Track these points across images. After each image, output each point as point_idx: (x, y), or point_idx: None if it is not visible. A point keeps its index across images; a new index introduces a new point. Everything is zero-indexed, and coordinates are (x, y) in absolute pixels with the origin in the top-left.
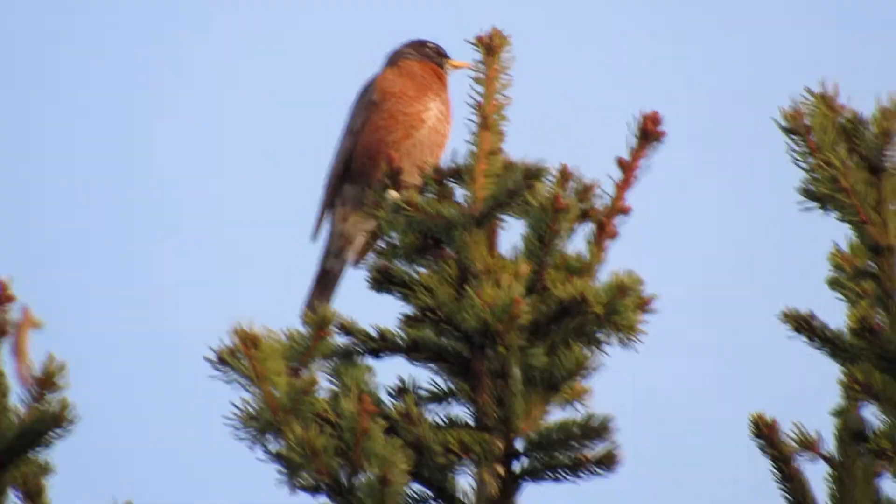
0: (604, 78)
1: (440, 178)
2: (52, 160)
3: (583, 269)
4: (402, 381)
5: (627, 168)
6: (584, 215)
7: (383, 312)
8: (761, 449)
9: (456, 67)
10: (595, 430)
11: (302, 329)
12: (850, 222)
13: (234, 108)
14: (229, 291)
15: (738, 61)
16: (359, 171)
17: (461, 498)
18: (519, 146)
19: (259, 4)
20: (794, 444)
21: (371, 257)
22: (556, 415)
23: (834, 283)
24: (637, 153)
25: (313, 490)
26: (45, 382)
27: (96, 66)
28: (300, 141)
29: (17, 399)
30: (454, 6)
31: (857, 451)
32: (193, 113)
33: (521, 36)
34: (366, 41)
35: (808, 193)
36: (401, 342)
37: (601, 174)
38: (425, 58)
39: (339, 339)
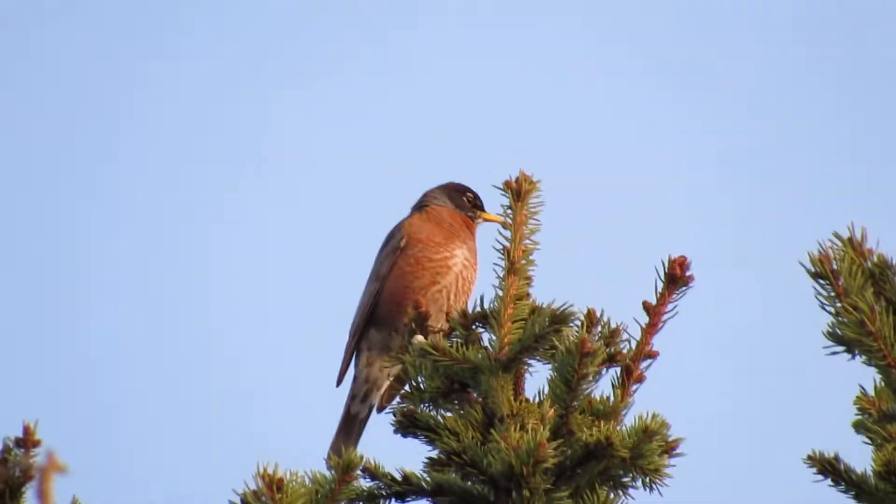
0: (632, 220)
1: (467, 323)
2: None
3: (609, 412)
4: None
5: (654, 313)
6: (611, 359)
7: (409, 456)
8: None
9: (487, 220)
10: None
11: (327, 473)
12: (876, 366)
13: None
14: (256, 434)
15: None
16: (385, 316)
17: None
18: (546, 290)
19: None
20: None
21: (397, 401)
22: None
23: (860, 427)
24: (664, 298)
25: None
26: None
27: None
28: (328, 284)
29: None
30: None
31: None
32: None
33: (548, 178)
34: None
35: (835, 337)
36: (426, 486)
37: (628, 318)
38: (456, 205)
39: (364, 483)
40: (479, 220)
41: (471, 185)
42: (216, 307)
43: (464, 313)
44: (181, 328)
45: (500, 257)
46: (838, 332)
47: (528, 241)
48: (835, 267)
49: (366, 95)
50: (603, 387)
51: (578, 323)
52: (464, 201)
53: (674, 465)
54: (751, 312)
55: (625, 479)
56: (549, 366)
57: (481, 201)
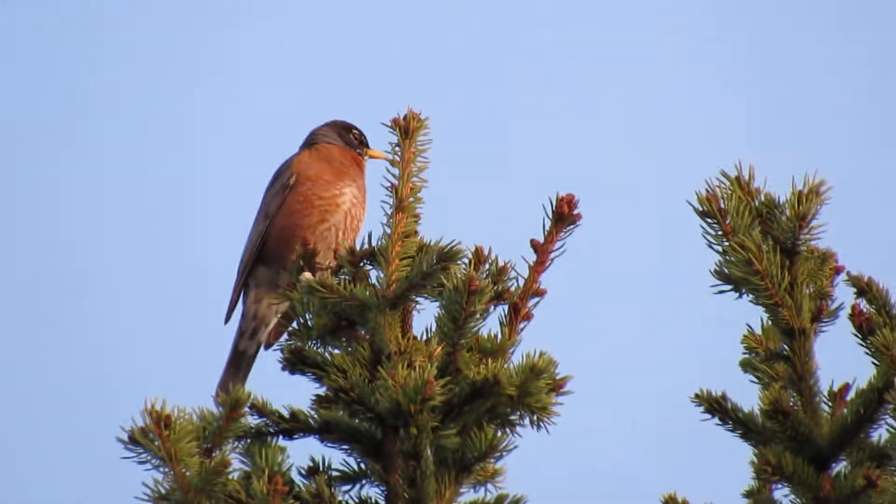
0: (524, 160)
1: (354, 261)
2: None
3: (496, 351)
4: (314, 461)
5: (542, 250)
6: (499, 297)
7: (296, 394)
8: None
9: (373, 157)
10: None
11: (214, 409)
12: (763, 305)
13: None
14: (142, 372)
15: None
16: (273, 253)
17: None
18: (434, 229)
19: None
20: None
21: (285, 338)
22: (469, 496)
23: (747, 365)
24: (552, 235)
25: None
26: None
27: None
28: (216, 219)
29: None
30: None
31: None
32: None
33: (438, 115)
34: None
35: (723, 276)
36: (313, 423)
37: (516, 256)
38: (345, 143)
39: (252, 420)
40: (367, 157)
41: (357, 124)
42: (110, 233)
43: (352, 251)
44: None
45: (388, 195)
46: (726, 270)
47: (416, 179)
48: (722, 206)
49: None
50: (490, 325)
51: (466, 261)
52: (351, 138)
53: (561, 404)
54: (642, 249)
55: (512, 418)
56: (437, 303)
57: (367, 139)
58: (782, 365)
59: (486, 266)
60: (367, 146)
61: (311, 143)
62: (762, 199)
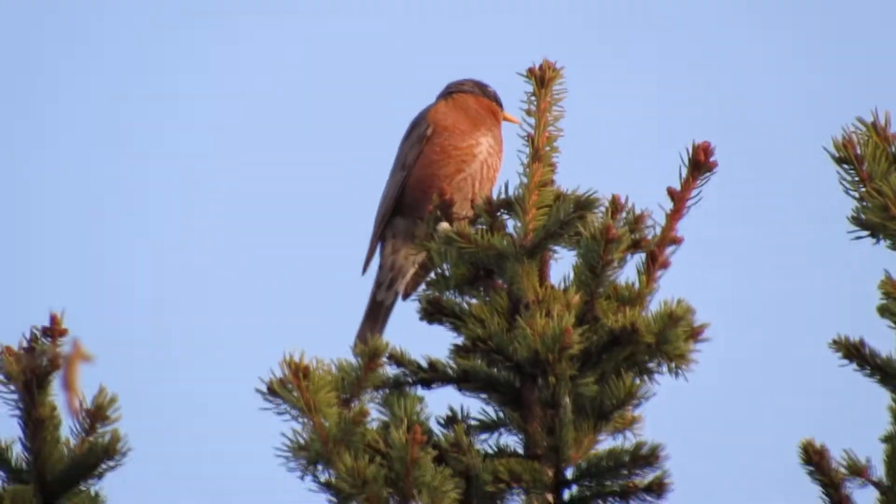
0: (656, 109)
1: (491, 210)
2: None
3: (634, 299)
4: (452, 410)
5: (678, 198)
6: (636, 245)
7: (434, 343)
8: (811, 475)
9: (507, 120)
10: (645, 457)
11: (353, 360)
12: None
13: (289, 139)
14: (281, 323)
15: (785, 88)
16: (410, 204)
17: None
18: (571, 177)
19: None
20: (843, 470)
21: (422, 288)
22: (607, 443)
23: (884, 311)
24: (688, 184)
25: None
26: (97, 415)
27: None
28: (352, 172)
29: (69, 432)
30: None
31: None
32: (242, 144)
33: (574, 67)
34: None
35: (860, 222)
36: (451, 372)
37: (653, 204)
38: (483, 94)
39: (390, 370)
40: (502, 114)
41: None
42: (240, 194)
43: (488, 200)
44: (210, 222)
45: (524, 144)
46: (863, 217)
47: (551, 128)
48: (859, 152)
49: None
50: (628, 273)
51: (603, 209)
52: (488, 91)
53: (699, 351)
54: (777, 198)
55: (650, 365)
56: (574, 252)
57: (500, 99)
58: None
59: (623, 214)
60: (502, 107)
61: (447, 93)
62: None
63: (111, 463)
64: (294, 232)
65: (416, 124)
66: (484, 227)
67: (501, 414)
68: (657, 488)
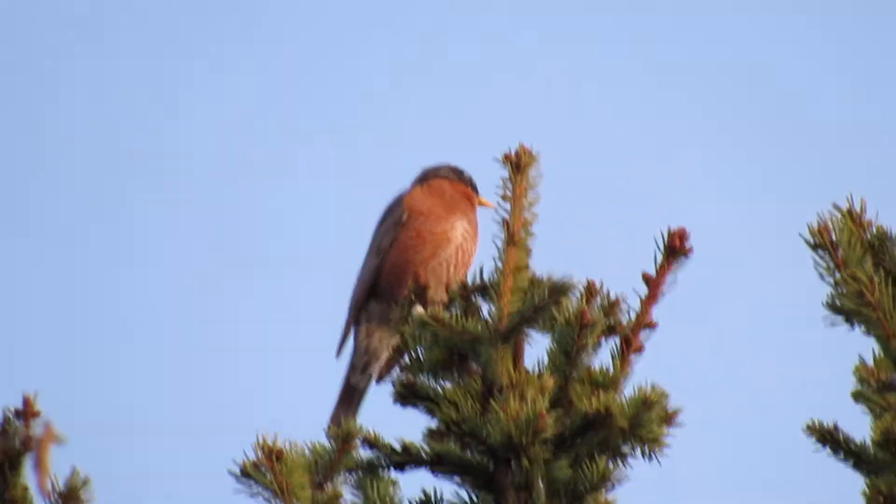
0: (632, 192)
1: (466, 294)
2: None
3: (608, 383)
4: (425, 494)
5: (653, 284)
6: (611, 330)
7: (408, 427)
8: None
9: (482, 205)
10: None
11: (326, 443)
12: (875, 336)
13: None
14: (255, 405)
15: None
16: (385, 288)
17: None
18: (546, 262)
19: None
20: None
21: (396, 372)
22: None
23: (859, 396)
24: (663, 269)
25: None
26: (69, 497)
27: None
28: (326, 256)
29: None
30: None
31: None
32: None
33: (548, 151)
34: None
35: (835, 308)
36: (425, 455)
37: (627, 289)
38: (459, 180)
39: (364, 453)
40: (478, 200)
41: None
42: (214, 281)
43: (464, 285)
44: (177, 302)
45: (500, 229)
46: (838, 302)
47: (527, 213)
48: (834, 238)
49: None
50: (602, 357)
51: (578, 294)
52: (459, 175)
53: (673, 436)
54: (748, 284)
55: (624, 449)
56: (549, 336)
57: (476, 184)
58: (894, 396)
59: (598, 299)
60: (477, 192)
61: (423, 178)
62: (874, 231)
63: None
64: (268, 313)
65: (391, 210)
66: (459, 311)
67: (475, 497)
68: None
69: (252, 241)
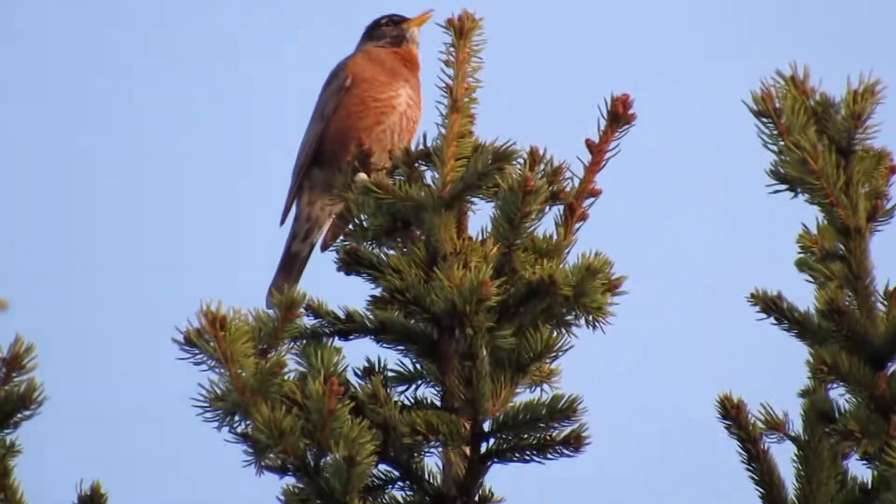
0: (577, 59)
1: (410, 161)
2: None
3: (552, 251)
4: (369, 362)
5: (597, 151)
6: (554, 197)
7: (352, 295)
8: (728, 430)
9: (418, 25)
10: (562, 410)
11: (270, 311)
12: (819, 204)
13: (209, 94)
14: (197, 274)
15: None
16: (328, 155)
17: (428, 479)
18: (489, 129)
19: None
20: (761, 425)
21: (340, 239)
22: (524, 396)
23: (803, 265)
24: (607, 136)
25: (280, 471)
26: (13, 363)
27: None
28: (268, 127)
29: None
30: None
31: (823, 431)
32: (173, 96)
33: (492, 16)
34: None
35: (778, 176)
36: (369, 324)
37: (571, 157)
38: (391, 43)
39: (307, 321)
40: (409, 30)
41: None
42: (160, 145)
43: (407, 151)
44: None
45: (442, 95)
46: (781, 170)
47: (470, 79)
48: (777, 105)
49: None
50: (546, 225)
51: (521, 161)
52: (384, 31)
53: (617, 304)
54: (692, 149)
55: (568, 318)
56: (492, 204)
57: (400, 15)
58: (838, 264)
59: (542, 166)
60: (405, 20)
61: (361, 47)
62: (817, 98)
63: (27, 412)
64: (212, 183)
65: (334, 75)
66: (402, 178)
67: (419, 366)
68: (574, 441)
69: (208, 104)
